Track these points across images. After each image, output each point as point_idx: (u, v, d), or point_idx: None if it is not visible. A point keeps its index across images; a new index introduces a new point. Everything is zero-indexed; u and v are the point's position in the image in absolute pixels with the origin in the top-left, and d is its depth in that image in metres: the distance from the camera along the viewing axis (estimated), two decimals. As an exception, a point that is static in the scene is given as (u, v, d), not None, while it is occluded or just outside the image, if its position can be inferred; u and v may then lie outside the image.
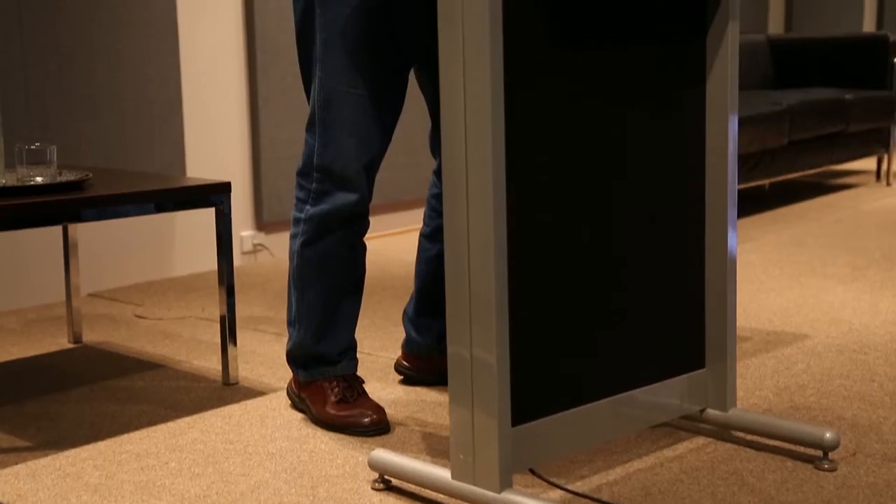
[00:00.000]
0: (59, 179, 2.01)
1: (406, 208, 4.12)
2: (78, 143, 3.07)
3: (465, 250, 1.44)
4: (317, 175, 1.88)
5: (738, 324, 2.64)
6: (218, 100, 3.47)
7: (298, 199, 1.93)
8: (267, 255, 3.67)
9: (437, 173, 2.06)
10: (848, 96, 4.78)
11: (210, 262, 3.46)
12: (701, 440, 1.83)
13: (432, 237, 2.10)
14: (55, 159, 2.03)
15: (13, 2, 2.89)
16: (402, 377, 2.21)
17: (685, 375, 1.77)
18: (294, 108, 3.61)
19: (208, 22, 3.41)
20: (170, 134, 3.30)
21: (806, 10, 6.31)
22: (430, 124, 2.05)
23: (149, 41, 3.21)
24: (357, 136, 1.85)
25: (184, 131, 3.35)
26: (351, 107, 1.84)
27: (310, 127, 1.89)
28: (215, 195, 2.14)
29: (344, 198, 1.88)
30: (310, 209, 1.90)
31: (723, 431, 1.86)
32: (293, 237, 1.94)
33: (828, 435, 1.69)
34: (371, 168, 1.89)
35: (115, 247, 3.23)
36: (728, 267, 1.78)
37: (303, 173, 1.91)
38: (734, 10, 1.75)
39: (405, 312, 2.18)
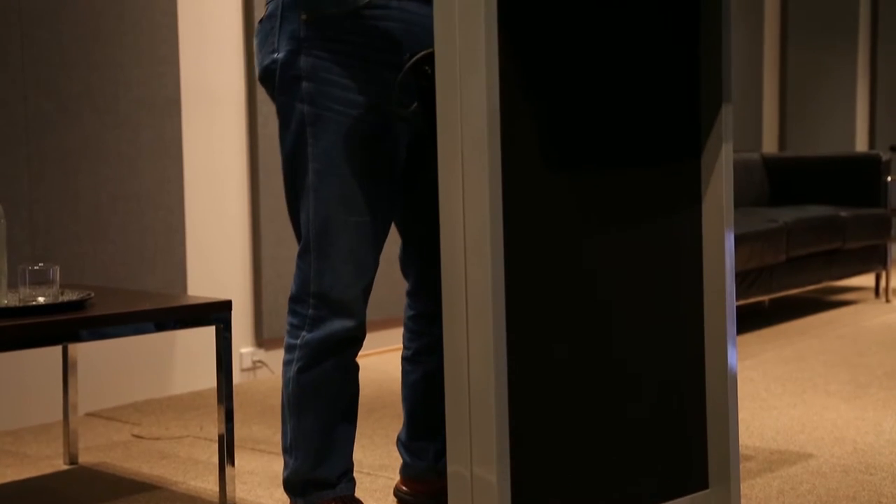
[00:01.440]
0: (60, 299, 2.02)
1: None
2: (81, 262, 3.09)
3: (464, 371, 1.44)
4: (313, 301, 1.86)
5: (741, 442, 2.61)
6: (220, 217, 3.51)
7: (293, 326, 1.91)
8: (266, 371, 3.65)
9: (411, 294, 2.05)
10: (843, 213, 4.83)
11: (209, 380, 3.44)
12: (706, 564, 1.79)
13: (413, 360, 2.07)
14: (58, 279, 2.04)
15: (21, 129, 2.96)
16: (400, 502, 2.17)
17: (688, 497, 1.75)
18: (295, 226, 3.64)
19: (213, 142, 3.48)
20: (171, 252, 3.32)
21: (799, 129, 6.43)
22: (401, 243, 2.06)
23: (154, 164, 3.26)
24: (354, 263, 1.85)
25: (185, 248, 3.38)
26: (347, 234, 1.84)
27: (303, 254, 1.88)
28: (216, 314, 2.14)
29: (341, 324, 1.86)
30: (306, 335, 1.88)
31: (728, 555, 1.82)
32: (287, 364, 1.91)
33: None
34: (367, 291, 1.89)
35: (114, 365, 3.22)
36: (729, 384, 1.78)
37: (297, 299, 1.89)
38: (727, 133, 1.79)
39: (399, 439, 2.15)
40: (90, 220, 3.11)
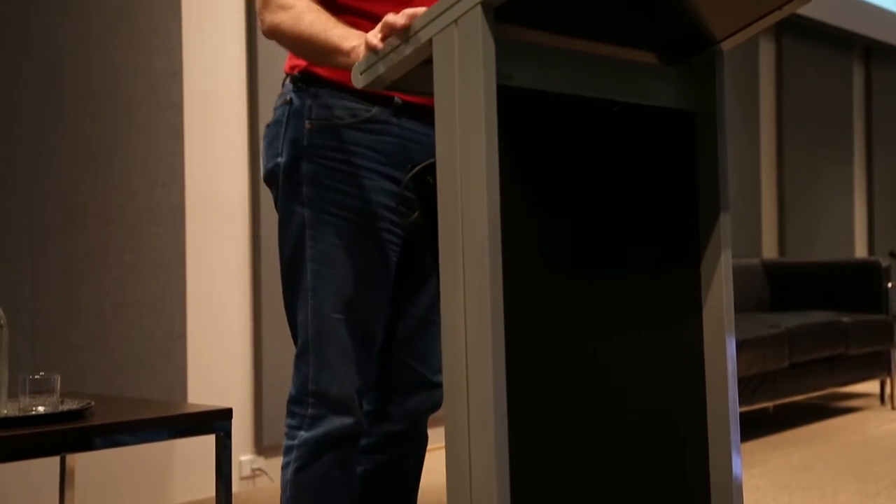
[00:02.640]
0: (60, 408, 2.01)
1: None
2: (82, 370, 3.08)
3: (466, 476, 1.42)
4: (312, 400, 1.87)
5: (749, 554, 2.56)
6: (221, 324, 3.51)
7: (291, 427, 1.90)
8: (266, 480, 3.61)
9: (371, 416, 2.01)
10: (845, 319, 4.83)
11: (208, 489, 3.39)
12: None
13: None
14: (58, 388, 2.04)
15: (27, 238, 2.99)
16: None
17: None
18: (297, 333, 3.64)
19: (215, 250, 3.50)
20: (173, 359, 3.32)
21: (798, 233, 6.48)
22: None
23: (157, 272, 3.28)
24: (352, 362, 1.86)
25: (187, 355, 3.37)
26: (346, 333, 1.85)
27: (302, 355, 1.89)
28: (216, 422, 2.13)
29: (340, 421, 1.86)
30: (304, 434, 1.87)
31: None
32: (285, 467, 1.89)
33: None
34: (366, 389, 1.89)
35: (112, 473, 3.18)
36: (734, 494, 1.75)
37: (296, 400, 1.89)
38: (726, 240, 1.80)
39: None
40: (92, 328, 3.11)
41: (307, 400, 1.87)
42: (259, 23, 1.84)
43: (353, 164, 1.85)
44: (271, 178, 1.91)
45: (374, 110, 1.86)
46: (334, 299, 1.85)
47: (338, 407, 1.86)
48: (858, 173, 7.16)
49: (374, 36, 1.54)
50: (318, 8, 1.78)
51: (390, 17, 1.52)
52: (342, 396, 1.86)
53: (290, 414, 1.90)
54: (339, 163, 1.85)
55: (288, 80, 1.91)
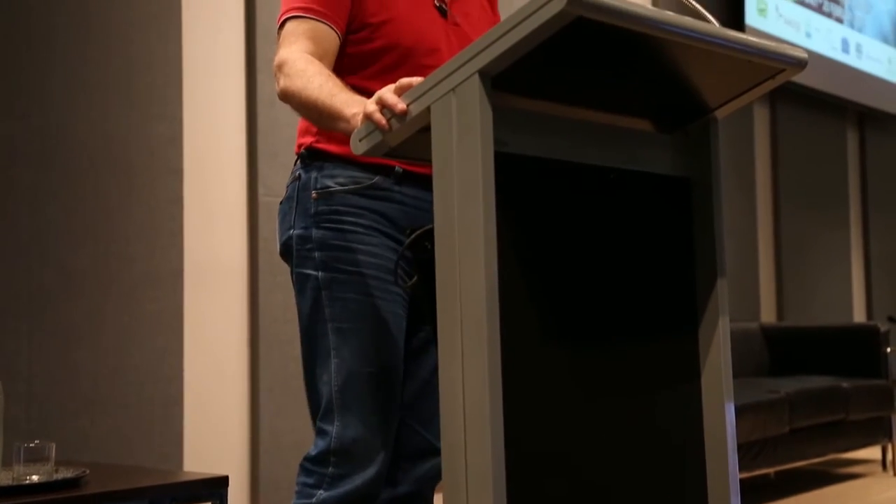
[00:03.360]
0: (55, 477, 1.99)
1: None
2: (78, 436, 3.06)
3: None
4: (334, 459, 1.87)
5: None
6: (219, 389, 3.50)
7: (307, 485, 1.89)
8: (262, 550, 3.56)
9: None
10: (845, 385, 4.81)
11: (203, 559, 3.35)
12: None
13: None
14: (53, 456, 2.02)
15: (25, 302, 2.99)
16: None
17: None
18: (296, 396, 3.62)
19: (213, 314, 3.50)
20: (169, 424, 3.29)
21: (796, 297, 6.48)
22: None
23: (154, 336, 3.27)
24: (378, 414, 1.88)
25: (183, 421, 3.35)
26: (372, 388, 1.87)
27: (325, 416, 1.89)
28: (212, 490, 2.12)
29: (362, 478, 1.86)
30: (323, 494, 1.86)
31: None
32: None
33: None
34: (390, 444, 1.90)
35: (105, 543, 3.14)
36: (736, 564, 1.73)
37: (316, 460, 1.89)
38: (723, 306, 1.80)
39: None
40: (89, 393, 3.10)
41: (329, 459, 1.87)
42: (275, 85, 1.91)
43: (359, 224, 1.92)
44: (286, 251, 1.98)
45: (377, 178, 1.93)
46: (356, 353, 1.88)
47: (361, 463, 1.86)
48: (855, 238, 7.18)
49: (371, 105, 1.60)
50: (330, 74, 1.84)
51: (385, 93, 1.58)
52: (368, 451, 1.86)
53: (308, 472, 1.90)
54: (346, 224, 1.91)
55: (297, 159, 2.00)
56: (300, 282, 1.95)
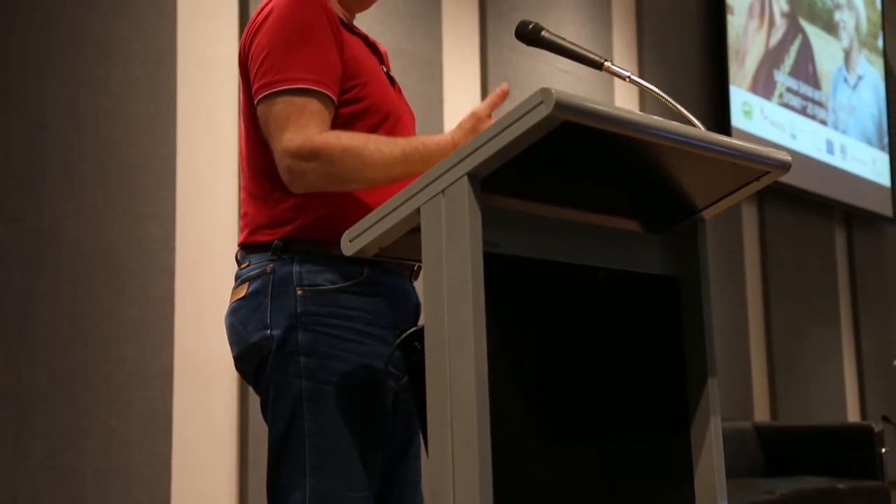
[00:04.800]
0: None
1: None
2: (60, 540, 3.00)
3: None
4: None
5: None
6: (206, 493, 3.44)
7: None
8: None
9: None
10: (841, 486, 4.76)
11: None
12: None
13: None
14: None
15: (12, 405, 2.96)
16: None
17: None
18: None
19: (203, 414, 3.47)
20: (155, 530, 3.23)
21: (789, 396, 6.45)
22: None
23: (142, 438, 3.24)
24: None
25: (170, 527, 3.29)
26: None
27: None
28: None
29: None
30: None
31: None
32: None
33: None
34: None
35: None
36: None
37: None
38: (714, 406, 1.80)
39: None
40: (74, 498, 3.04)
41: None
42: (299, 176, 1.76)
43: (350, 328, 1.81)
44: (254, 353, 1.82)
45: (366, 271, 1.84)
46: (337, 474, 1.76)
47: None
48: (846, 335, 7.19)
49: (469, 120, 1.72)
50: (367, 135, 1.80)
51: (475, 109, 1.75)
52: None
53: None
54: (336, 328, 1.80)
55: (256, 252, 1.86)
56: (280, 388, 1.79)
